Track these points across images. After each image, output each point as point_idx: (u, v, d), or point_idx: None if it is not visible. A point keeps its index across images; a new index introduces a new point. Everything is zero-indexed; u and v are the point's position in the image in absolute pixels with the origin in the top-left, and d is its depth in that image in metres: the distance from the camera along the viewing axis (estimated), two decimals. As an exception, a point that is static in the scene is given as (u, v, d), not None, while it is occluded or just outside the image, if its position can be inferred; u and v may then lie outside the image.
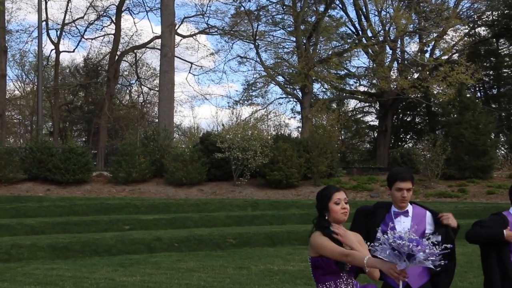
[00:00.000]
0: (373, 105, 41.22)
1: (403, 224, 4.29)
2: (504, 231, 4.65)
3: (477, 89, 39.05)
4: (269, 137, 24.18)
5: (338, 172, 24.22)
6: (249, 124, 25.46)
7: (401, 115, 42.38)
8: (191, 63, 38.16)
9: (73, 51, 56.97)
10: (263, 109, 36.80)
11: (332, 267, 3.61)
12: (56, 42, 38.27)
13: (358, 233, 3.93)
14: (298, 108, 36.50)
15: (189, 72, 38.60)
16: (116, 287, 8.96)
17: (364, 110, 43.71)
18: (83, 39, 40.43)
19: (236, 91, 76.67)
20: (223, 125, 25.31)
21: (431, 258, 3.24)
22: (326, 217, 3.76)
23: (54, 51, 38.57)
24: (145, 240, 13.36)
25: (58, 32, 38.66)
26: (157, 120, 33.39)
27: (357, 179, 23.55)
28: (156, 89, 37.52)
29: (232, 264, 11.40)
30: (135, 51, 39.96)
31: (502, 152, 35.11)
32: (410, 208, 4.40)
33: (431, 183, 22.63)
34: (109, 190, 22.39)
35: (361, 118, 44.35)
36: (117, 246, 12.92)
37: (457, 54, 34.26)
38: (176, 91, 31.82)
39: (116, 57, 37.43)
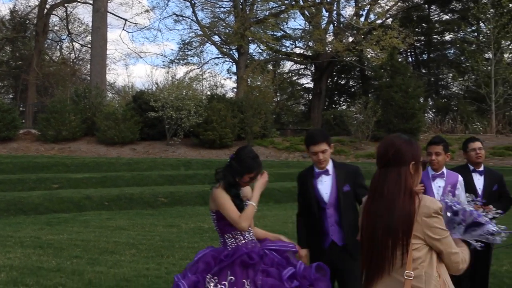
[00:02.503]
0: (308, 67, 41.53)
1: (324, 183, 4.34)
2: None
3: (408, 54, 40.00)
4: (204, 97, 24.02)
5: (271, 132, 24.43)
6: (184, 83, 25.16)
7: (335, 78, 42.93)
8: (125, 20, 37.16)
9: (-1, 3, 54.31)
10: (199, 68, 36.45)
11: None
12: (-21, -8, 36.24)
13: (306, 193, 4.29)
14: (234, 69, 36.34)
15: (123, 29, 37.66)
16: (41, 245, 8.78)
17: (300, 72, 44.02)
18: (9, -10, 38.41)
19: (172, 50, 75.27)
20: (156, 84, 24.92)
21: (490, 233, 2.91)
22: (237, 180, 3.83)
23: (-23, 2, 36.55)
24: (74, 199, 13.13)
25: (-18, -18, 36.58)
26: (89, 78, 32.43)
27: (290, 140, 23.85)
28: (88, 45, 36.31)
29: (162, 222, 11.40)
30: (66, 5, 38.36)
31: (430, 116, 36.38)
32: (330, 166, 4.39)
33: (361, 144, 23.21)
34: (37, 149, 21.75)
35: (297, 80, 44.68)
36: (45, 204, 12.63)
37: (390, 19, 34.84)
38: (109, 48, 30.95)
39: (46, 11, 35.86)
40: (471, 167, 5.21)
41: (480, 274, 5.22)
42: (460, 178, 4.93)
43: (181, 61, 36.56)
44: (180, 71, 42.33)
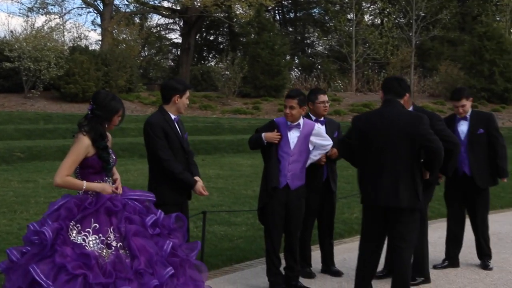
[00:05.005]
0: (177, 22, 40.84)
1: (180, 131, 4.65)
2: (263, 134, 4.98)
3: (276, 11, 40.64)
4: (65, 48, 22.84)
5: (137, 87, 23.90)
6: (43, 33, 23.69)
7: (204, 34, 42.70)
8: (-24, -39, 33.98)
9: None
10: (60, 18, 34.38)
11: (99, 168, 3.85)
12: None
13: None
14: (99, 20, 34.73)
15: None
16: None
17: (168, 26, 43.20)
18: None
19: (31, -3, 70.28)
20: (11, 32, 23.25)
21: None
22: (107, 126, 3.86)
23: None
24: None
25: None
26: None
27: (157, 95, 23.46)
28: None
29: (18, 177, 10.82)
30: None
31: (297, 73, 37.49)
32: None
33: (228, 100, 23.44)
34: None
35: (165, 35, 43.84)
36: None
37: (259, -24, 35.00)
38: (-44, -9, 28.25)
39: None
40: (313, 118, 5.41)
41: (327, 221, 5.59)
42: (316, 127, 5.10)
43: (40, 10, 34.29)
44: (40, 20, 39.72)
